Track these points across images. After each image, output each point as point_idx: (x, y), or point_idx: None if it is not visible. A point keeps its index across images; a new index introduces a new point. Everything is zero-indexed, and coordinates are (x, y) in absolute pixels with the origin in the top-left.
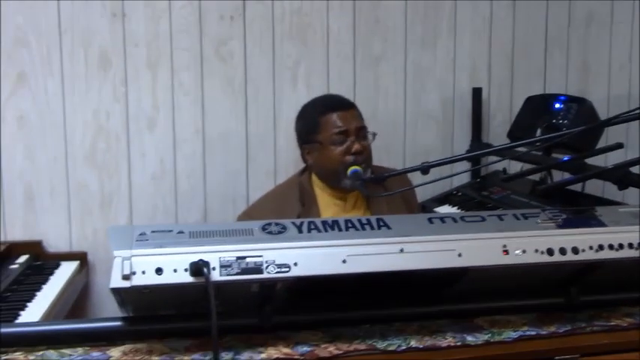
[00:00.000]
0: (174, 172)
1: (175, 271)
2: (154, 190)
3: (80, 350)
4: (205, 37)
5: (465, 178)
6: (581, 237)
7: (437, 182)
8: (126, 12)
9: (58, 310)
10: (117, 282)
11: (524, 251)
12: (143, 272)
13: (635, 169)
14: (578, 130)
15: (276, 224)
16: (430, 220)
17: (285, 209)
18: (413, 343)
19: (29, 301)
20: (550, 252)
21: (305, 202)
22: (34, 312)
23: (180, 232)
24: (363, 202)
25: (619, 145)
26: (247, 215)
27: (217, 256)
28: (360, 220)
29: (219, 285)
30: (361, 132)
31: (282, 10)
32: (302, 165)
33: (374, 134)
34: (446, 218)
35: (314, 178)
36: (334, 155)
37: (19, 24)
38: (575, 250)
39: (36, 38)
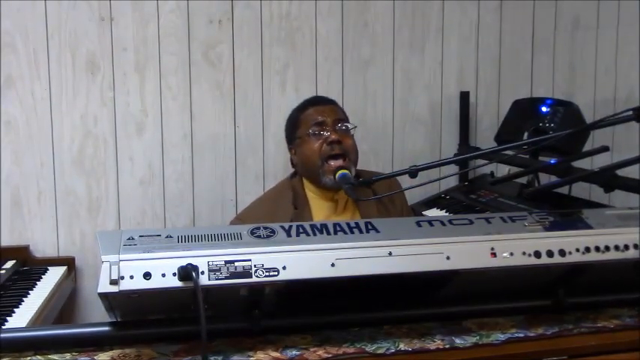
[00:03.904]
0: (162, 176)
1: (164, 275)
2: (142, 194)
3: (68, 356)
4: (194, 42)
5: (452, 182)
6: (568, 239)
7: (425, 186)
8: (114, 16)
9: (46, 315)
10: (105, 287)
11: (511, 254)
12: (131, 277)
13: (620, 172)
14: (564, 134)
15: (265, 228)
16: (418, 223)
17: (277, 213)
18: (402, 346)
19: (16, 306)
20: (537, 254)
21: (297, 206)
22: (21, 317)
23: (169, 237)
24: (353, 204)
25: (605, 148)
26: (240, 220)
27: (206, 260)
28: (348, 224)
29: (208, 289)
30: (339, 124)
31: (271, 14)
32: (291, 169)
33: (354, 126)
34: (434, 221)
35: (305, 181)
36: (312, 147)
37: (6, 28)
38: (562, 253)
39: (23, 42)
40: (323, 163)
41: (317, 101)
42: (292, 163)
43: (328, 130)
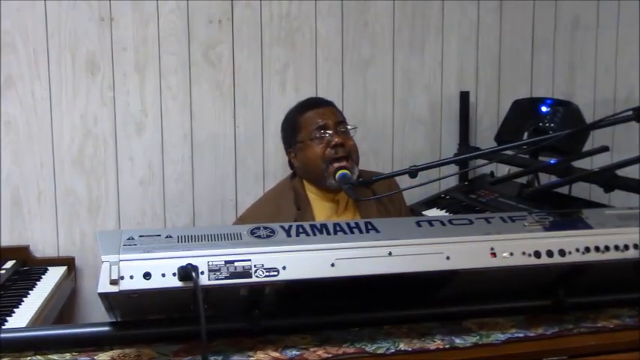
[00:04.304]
0: (162, 176)
1: (164, 275)
2: (142, 194)
3: (68, 356)
4: (194, 41)
5: (452, 182)
6: (568, 239)
7: (425, 185)
8: (114, 16)
9: (46, 315)
10: (105, 287)
11: (511, 254)
12: (131, 277)
13: (620, 172)
14: (564, 134)
15: (265, 228)
16: (418, 223)
17: (281, 213)
18: (402, 346)
19: (16, 306)
20: (537, 254)
21: (300, 206)
22: (21, 317)
23: (169, 237)
24: (353, 204)
25: (605, 148)
26: (242, 221)
27: (206, 260)
28: (348, 224)
29: (208, 289)
30: (340, 126)
31: (271, 14)
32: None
33: (355, 127)
34: (434, 221)
35: (305, 182)
36: (316, 151)
37: (6, 28)
38: (562, 253)
39: (23, 42)
40: (327, 166)
41: (316, 103)
42: (291, 165)
43: (330, 133)
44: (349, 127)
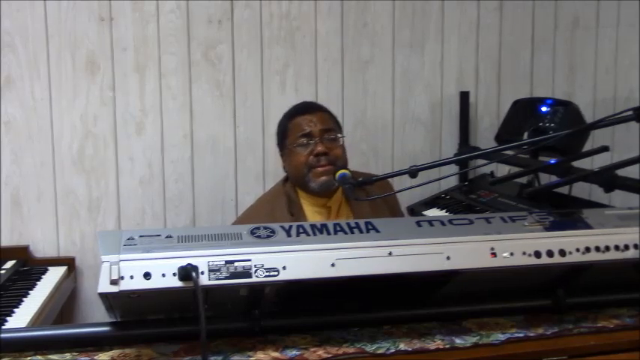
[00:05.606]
0: (162, 176)
1: (164, 275)
2: (142, 194)
3: (68, 356)
4: (193, 41)
5: (452, 182)
6: (568, 239)
7: (425, 185)
8: (114, 16)
9: (46, 315)
10: (105, 287)
11: (511, 254)
12: (131, 277)
13: (620, 172)
14: (564, 133)
15: (265, 228)
16: (418, 223)
17: (275, 219)
18: (402, 346)
19: (16, 306)
20: (537, 254)
21: (293, 212)
22: (21, 318)
23: (169, 237)
24: (346, 208)
25: (605, 148)
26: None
27: (206, 260)
28: (348, 224)
29: (208, 289)
30: (326, 134)
31: (271, 14)
32: None
33: (342, 137)
34: (434, 221)
35: (297, 188)
36: (299, 159)
37: (6, 28)
38: (562, 253)
39: (23, 42)
40: (309, 171)
41: (305, 109)
42: (284, 168)
43: (315, 141)
44: (336, 135)
